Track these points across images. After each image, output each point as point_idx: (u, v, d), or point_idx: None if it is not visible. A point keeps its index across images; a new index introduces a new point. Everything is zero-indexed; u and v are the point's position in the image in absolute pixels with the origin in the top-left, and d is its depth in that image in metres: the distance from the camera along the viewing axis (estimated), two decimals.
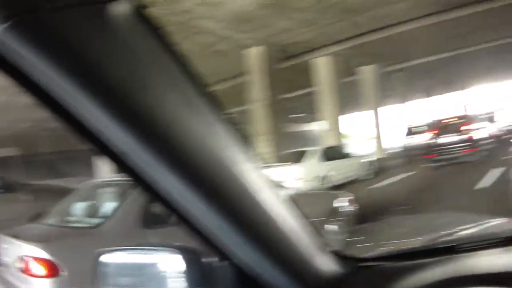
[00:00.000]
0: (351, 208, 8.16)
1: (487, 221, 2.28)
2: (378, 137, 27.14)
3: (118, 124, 0.81)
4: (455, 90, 46.71)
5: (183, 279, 1.24)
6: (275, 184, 1.22)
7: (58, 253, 4.71)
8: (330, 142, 21.09)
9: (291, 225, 1.22)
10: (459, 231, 2.12)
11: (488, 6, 17.40)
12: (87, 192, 6.67)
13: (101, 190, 6.49)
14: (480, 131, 20.55)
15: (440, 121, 22.39)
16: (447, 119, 22.49)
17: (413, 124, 29.83)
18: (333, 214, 7.68)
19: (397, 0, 15.80)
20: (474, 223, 2.26)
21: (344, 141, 24.00)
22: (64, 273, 4.59)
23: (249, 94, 19.49)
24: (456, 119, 21.14)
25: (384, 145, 27.53)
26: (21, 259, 4.77)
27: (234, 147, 1.03)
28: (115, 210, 5.63)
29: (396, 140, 29.51)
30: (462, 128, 19.36)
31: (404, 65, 27.81)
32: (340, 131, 23.20)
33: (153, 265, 1.33)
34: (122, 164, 0.92)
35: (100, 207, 6.06)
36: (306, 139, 28.25)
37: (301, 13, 15.43)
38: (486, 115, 26.32)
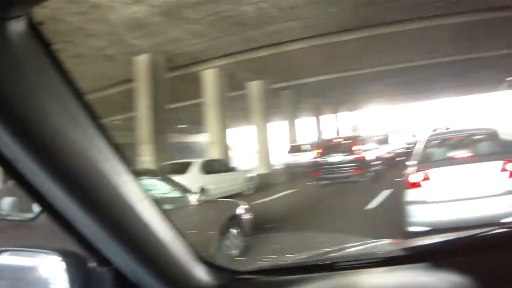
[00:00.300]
0: (248, 216, 8.50)
1: (368, 241, 2.30)
2: (264, 152, 27.23)
3: (6, 133, 0.88)
4: (347, 111, 48.54)
5: (65, 282, 1.23)
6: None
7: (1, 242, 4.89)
8: (215, 154, 20.93)
9: (166, 236, 1.28)
10: (338, 250, 2.13)
11: (378, 32, 18.12)
12: (13, 189, 6.78)
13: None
14: (371, 152, 20.56)
15: (328, 140, 22.63)
16: (336, 138, 22.89)
17: (300, 141, 30.31)
18: (234, 221, 8.02)
19: (289, 19, 15.96)
20: (355, 242, 2.27)
21: (229, 154, 23.88)
22: None
23: (136, 101, 19.01)
24: (344, 139, 21.21)
25: (270, 160, 27.68)
26: None
27: (113, 158, 1.08)
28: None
29: (282, 156, 29.82)
30: (351, 148, 19.31)
31: (293, 83, 28.28)
32: (226, 144, 23.00)
33: (35, 267, 1.33)
34: (11, 169, 0.96)
35: (29, 202, 5.96)
36: (191, 150, 27.95)
37: (192, 24, 15.25)
38: (379, 137, 26.38)
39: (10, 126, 0.88)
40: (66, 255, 1.25)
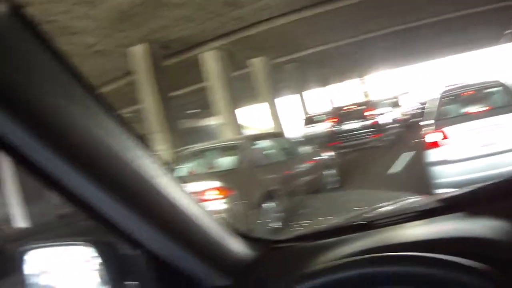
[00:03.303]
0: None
1: (400, 198, 2.30)
2: (278, 127, 26.88)
3: (12, 121, 0.81)
4: (354, 78, 48.00)
5: (100, 271, 1.25)
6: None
7: (225, 182, 7.70)
8: (229, 135, 20.93)
9: (195, 211, 1.27)
10: (372, 209, 2.12)
11: None
12: (193, 155, 10.01)
13: (206, 151, 9.86)
14: (385, 116, 20.48)
15: (340, 108, 22.54)
16: (348, 105, 22.53)
17: (313, 113, 30.01)
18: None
19: None
20: (388, 200, 2.27)
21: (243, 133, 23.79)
22: (232, 193, 7.50)
23: (138, 93, 19.07)
24: (356, 106, 21.08)
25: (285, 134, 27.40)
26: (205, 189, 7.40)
27: (133, 143, 1.07)
28: (240, 158, 8.75)
29: (298, 129, 29.55)
30: (365, 114, 19.25)
31: (295, 56, 28.02)
32: (238, 124, 22.91)
33: (68, 260, 1.33)
34: (26, 162, 0.92)
35: (216, 160, 9.21)
36: (204, 134, 27.90)
37: (176, 10, 15.23)
38: (390, 100, 26.35)
39: (17, 114, 0.82)
40: (99, 244, 1.27)
